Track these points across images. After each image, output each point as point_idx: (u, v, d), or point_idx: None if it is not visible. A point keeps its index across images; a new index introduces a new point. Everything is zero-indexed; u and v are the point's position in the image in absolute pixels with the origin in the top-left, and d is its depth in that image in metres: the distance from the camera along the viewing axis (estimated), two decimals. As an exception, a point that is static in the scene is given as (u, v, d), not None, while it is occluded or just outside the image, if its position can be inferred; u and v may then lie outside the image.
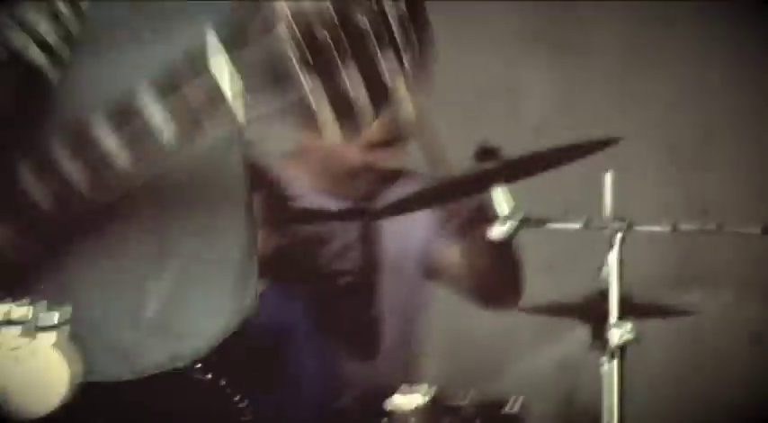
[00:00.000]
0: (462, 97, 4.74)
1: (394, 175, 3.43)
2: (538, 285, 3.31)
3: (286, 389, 2.88)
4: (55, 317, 1.58)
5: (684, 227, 2.63)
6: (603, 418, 2.57)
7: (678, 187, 4.81)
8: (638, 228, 2.51)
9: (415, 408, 2.69)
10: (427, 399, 2.73)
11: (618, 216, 2.55)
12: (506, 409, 2.77)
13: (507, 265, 3.32)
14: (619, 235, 2.52)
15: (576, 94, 5.02)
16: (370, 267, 3.40)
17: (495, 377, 4.43)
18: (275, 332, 3.10)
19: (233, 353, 2.24)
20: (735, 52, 5.33)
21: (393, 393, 2.86)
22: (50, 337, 1.59)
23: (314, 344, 3.27)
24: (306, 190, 3.44)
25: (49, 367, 1.55)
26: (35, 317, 1.58)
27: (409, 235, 3.37)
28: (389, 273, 3.36)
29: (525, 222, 2.61)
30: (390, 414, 2.74)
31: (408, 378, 3.13)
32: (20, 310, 1.57)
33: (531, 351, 4.63)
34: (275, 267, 3.25)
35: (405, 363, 3.44)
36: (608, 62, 5.30)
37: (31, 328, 1.57)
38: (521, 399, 2.89)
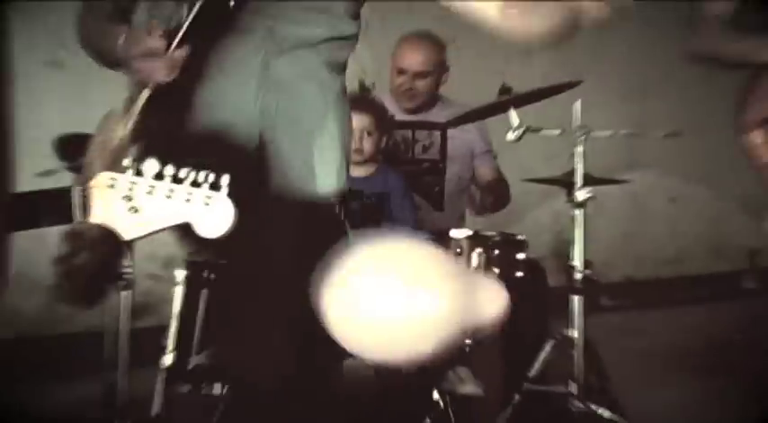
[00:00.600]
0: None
1: (434, 99, 5.20)
2: (541, 170, 4.89)
3: (389, 224, 4.61)
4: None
5: (622, 132, 4.36)
6: (575, 245, 4.11)
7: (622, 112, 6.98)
8: (594, 133, 4.02)
9: (466, 236, 4.17)
10: (470, 233, 4.23)
11: (582, 126, 4.02)
12: (518, 237, 4.36)
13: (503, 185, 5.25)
14: (582, 137, 3.99)
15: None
16: (440, 157, 5.07)
17: (515, 222, 6.53)
18: (384, 192, 4.72)
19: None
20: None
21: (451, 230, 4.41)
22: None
23: (406, 200, 4.85)
24: (395, 109, 5.09)
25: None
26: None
27: (462, 139, 5.02)
28: (451, 161, 5.03)
29: (527, 129, 4.09)
30: (450, 239, 4.20)
31: (460, 223, 5.03)
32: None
33: (537, 206, 6.90)
34: (385, 155, 4.95)
35: (458, 214, 5.26)
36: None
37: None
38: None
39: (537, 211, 7.09)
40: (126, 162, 2.24)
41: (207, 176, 2.16)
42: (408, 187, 4.80)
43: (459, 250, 4.14)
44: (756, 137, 3.87)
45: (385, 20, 6.00)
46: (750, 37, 3.77)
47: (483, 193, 5.11)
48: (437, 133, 5.11)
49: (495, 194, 5.03)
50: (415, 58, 5.10)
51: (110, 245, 2.72)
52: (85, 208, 2.25)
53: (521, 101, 4.18)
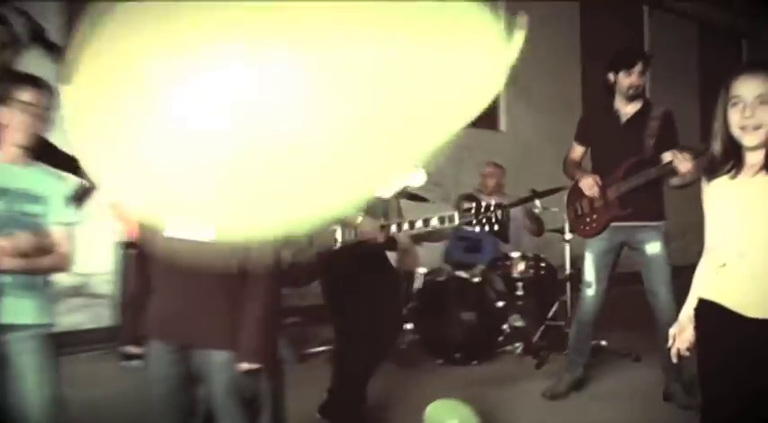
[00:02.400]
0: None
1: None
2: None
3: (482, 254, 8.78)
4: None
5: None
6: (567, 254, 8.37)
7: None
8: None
9: (518, 255, 8.48)
10: (520, 253, 8.43)
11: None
12: (542, 255, 8.49)
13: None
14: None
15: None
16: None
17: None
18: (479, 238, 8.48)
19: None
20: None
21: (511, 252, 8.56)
22: None
23: (490, 239, 8.53)
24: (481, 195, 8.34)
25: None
26: None
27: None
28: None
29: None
30: (510, 257, 8.40)
31: (515, 248, 8.56)
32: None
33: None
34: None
35: (516, 245, 8.73)
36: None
37: None
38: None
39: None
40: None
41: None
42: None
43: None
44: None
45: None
46: None
47: (531, 228, 8.69)
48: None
49: (537, 229, 8.69)
50: None
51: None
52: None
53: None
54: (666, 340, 5.23)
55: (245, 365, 3.45)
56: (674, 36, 16.57)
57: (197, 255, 3.30)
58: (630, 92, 6.11)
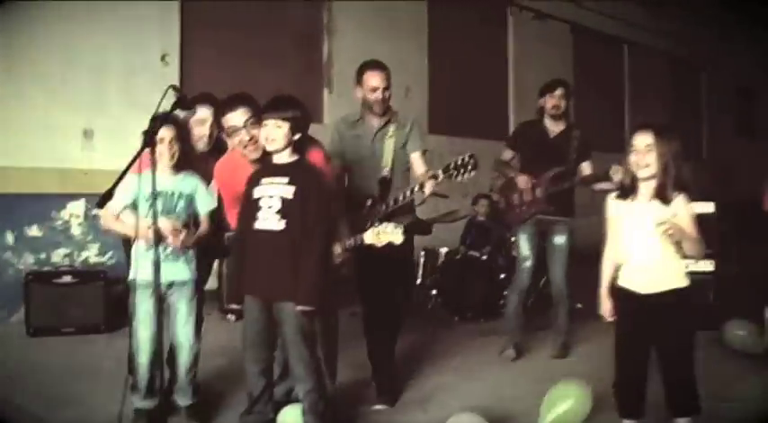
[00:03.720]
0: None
1: None
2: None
3: None
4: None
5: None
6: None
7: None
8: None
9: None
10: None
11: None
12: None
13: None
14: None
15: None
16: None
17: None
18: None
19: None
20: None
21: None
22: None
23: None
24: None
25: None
26: None
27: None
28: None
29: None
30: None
31: None
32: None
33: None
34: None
35: None
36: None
37: None
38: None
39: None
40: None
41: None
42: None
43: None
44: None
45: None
46: None
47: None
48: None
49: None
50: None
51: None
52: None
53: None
54: (557, 311, 5.89)
55: (300, 308, 4.16)
56: (647, 68, 16.68)
57: (273, 239, 4.23)
58: (553, 111, 6.39)
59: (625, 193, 4.15)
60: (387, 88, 5.33)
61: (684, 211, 3.99)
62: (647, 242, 4.02)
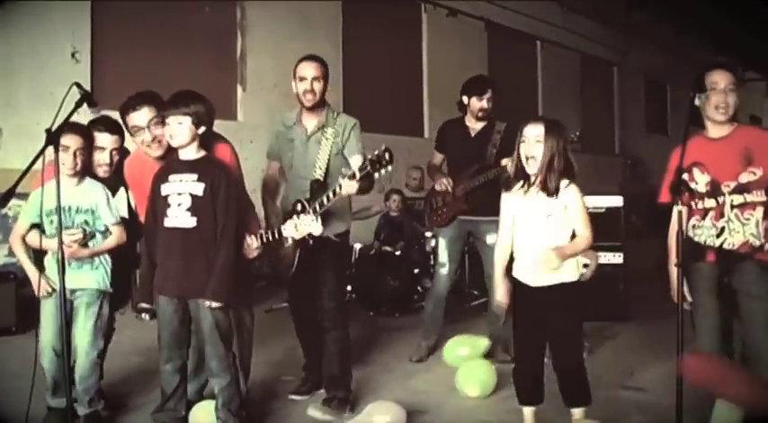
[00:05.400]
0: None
1: None
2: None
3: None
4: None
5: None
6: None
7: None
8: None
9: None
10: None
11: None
12: None
13: None
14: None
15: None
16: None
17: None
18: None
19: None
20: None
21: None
22: None
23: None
24: None
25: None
26: None
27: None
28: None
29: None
30: None
31: None
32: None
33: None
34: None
35: None
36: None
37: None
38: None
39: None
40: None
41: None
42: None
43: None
44: None
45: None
46: None
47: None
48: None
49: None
50: None
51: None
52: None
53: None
54: (496, 314, 5.99)
55: (211, 304, 4.19)
56: (560, 65, 16.97)
57: (184, 236, 4.22)
58: (480, 114, 6.30)
59: (510, 185, 4.25)
60: (317, 79, 5.16)
61: (574, 201, 4.08)
62: (537, 235, 4.12)
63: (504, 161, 5.91)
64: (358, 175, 4.62)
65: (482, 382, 5.40)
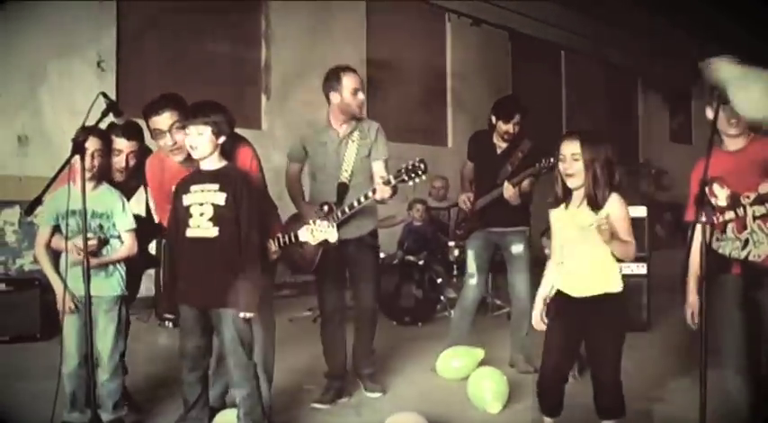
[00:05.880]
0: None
1: None
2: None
3: None
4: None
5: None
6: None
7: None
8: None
9: None
10: None
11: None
12: None
13: None
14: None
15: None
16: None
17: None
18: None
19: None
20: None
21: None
22: None
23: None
24: None
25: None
26: None
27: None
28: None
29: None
30: None
31: None
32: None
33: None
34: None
35: None
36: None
37: None
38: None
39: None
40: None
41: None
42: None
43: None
44: None
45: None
46: None
47: None
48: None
49: None
50: None
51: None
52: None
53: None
54: (520, 321, 5.94)
55: (242, 314, 4.20)
56: (584, 74, 16.93)
57: (207, 246, 4.23)
58: (506, 137, 6.32)
59: (558, 201, 4.22)
60: (362, 89, 5.45)
61: (618, 211, 4.05)
62: (581, 247, 4.09)
63: (506, 185, 6.12)
64: (393, 182, 4.84)
65: (500, 394, 5.35)
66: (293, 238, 4.74)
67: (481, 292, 6.67)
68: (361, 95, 5.41)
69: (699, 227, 3.70)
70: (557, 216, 4.25)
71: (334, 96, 5.39)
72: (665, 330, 7.63)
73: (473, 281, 6.52)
